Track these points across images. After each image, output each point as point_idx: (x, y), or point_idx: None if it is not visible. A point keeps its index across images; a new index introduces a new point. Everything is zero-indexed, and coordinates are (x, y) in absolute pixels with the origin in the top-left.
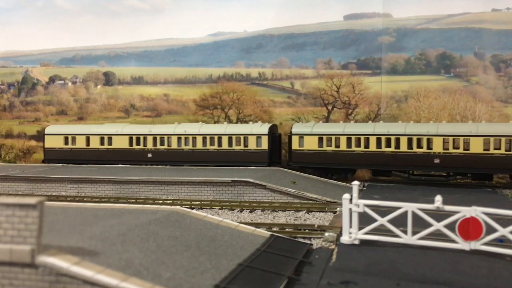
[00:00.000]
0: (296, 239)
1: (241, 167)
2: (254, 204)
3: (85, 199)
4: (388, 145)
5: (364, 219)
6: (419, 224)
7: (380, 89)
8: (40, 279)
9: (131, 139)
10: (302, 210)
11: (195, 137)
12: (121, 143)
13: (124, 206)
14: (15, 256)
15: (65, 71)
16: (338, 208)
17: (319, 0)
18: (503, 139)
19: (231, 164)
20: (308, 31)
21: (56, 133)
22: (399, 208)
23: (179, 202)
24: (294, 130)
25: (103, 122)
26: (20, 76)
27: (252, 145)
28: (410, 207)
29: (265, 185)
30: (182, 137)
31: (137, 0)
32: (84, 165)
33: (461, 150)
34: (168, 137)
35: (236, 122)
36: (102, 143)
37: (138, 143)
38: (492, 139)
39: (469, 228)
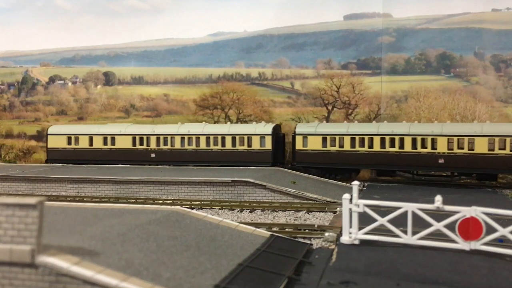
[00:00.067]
0: (296, 239)
1: (241, 167)
2: (254, 204)
3: (85, 199)
4: (392, 145)
5: (364, 219)
6: (419, 224)
7: (380, 89)
8: (40, 279)
9: (134, 139)
10: (302, 210)
11: (199, 137)
12: (124, 143)
13: (124, 206)
14: (15, 256)
15: (65, 71)
16: (338, 208)
17: (319, 0)
18: (508, 139)
19: (235, 164)
20: (308, 31)
21: (59, 133)
22: (399, 208)
23: (179, 202)
24: (298, 130)
25: (103, 122)
26: (20, 76)
27: (255, 145)
28: (410, 207)
29: (265, 185)
30: (186, 137)
31: (137, 0)
32: (84, 165)
33: (465, 150)
34: (171, 137)
35: (236, 122)
36: (105, 143)
37: (141, 143)
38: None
39: (469, 228)
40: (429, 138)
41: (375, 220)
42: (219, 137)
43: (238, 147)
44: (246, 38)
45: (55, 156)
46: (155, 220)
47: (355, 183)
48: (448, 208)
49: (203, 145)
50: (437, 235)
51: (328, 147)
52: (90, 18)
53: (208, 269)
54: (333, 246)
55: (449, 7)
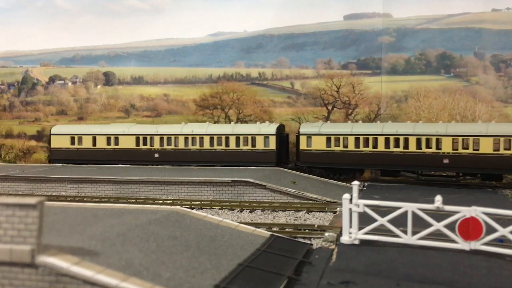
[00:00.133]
0: (296, 239)
1: (241, 167)
2: (254, 204)
3: (85, 199)
4: (397, 145)
5: (364, 219)
6: (419, 224)
7: (380, 89)
8: (40, 279)
9: (137, 139)
10: (302, 210)
11: (202, 137)
12: (127, 143)
13: (124, 206)
14: (15, 256)
15: (65, 71)
16: (338, 208)
17: (319, 0)
18: None
19: (239, 164)
20: (308, 31)
21: (63, 133)
22: (399, 208)
23: (179, 202)
24: (302, 130)
25: (103, 122)
26: (20, 76)
27: (259, 145)
28: (410, 207)
29: (265, 185)
30: (189, 137)
31: (137, 0)
32: (84, 165)
33: (470, 150)
34: (175, 137)
35: (236, 122)
36: (108, 143)
37: (145, 143)
38: (502, 139)
39: (469, 228)
40: (434, 138)
41: (375, 220)
42: (223, 137)
43: (242, 147)
44: (246, 38)
45: (58, 156)
46: (155, 220)
47: (355, 183)
48: (448, 208)
49: (206, 145)
50: (437, 235)
51: (332, 147)
52: (90, 18)
53: (208, 269)
54: (333, 246)
55: (449, 7)
